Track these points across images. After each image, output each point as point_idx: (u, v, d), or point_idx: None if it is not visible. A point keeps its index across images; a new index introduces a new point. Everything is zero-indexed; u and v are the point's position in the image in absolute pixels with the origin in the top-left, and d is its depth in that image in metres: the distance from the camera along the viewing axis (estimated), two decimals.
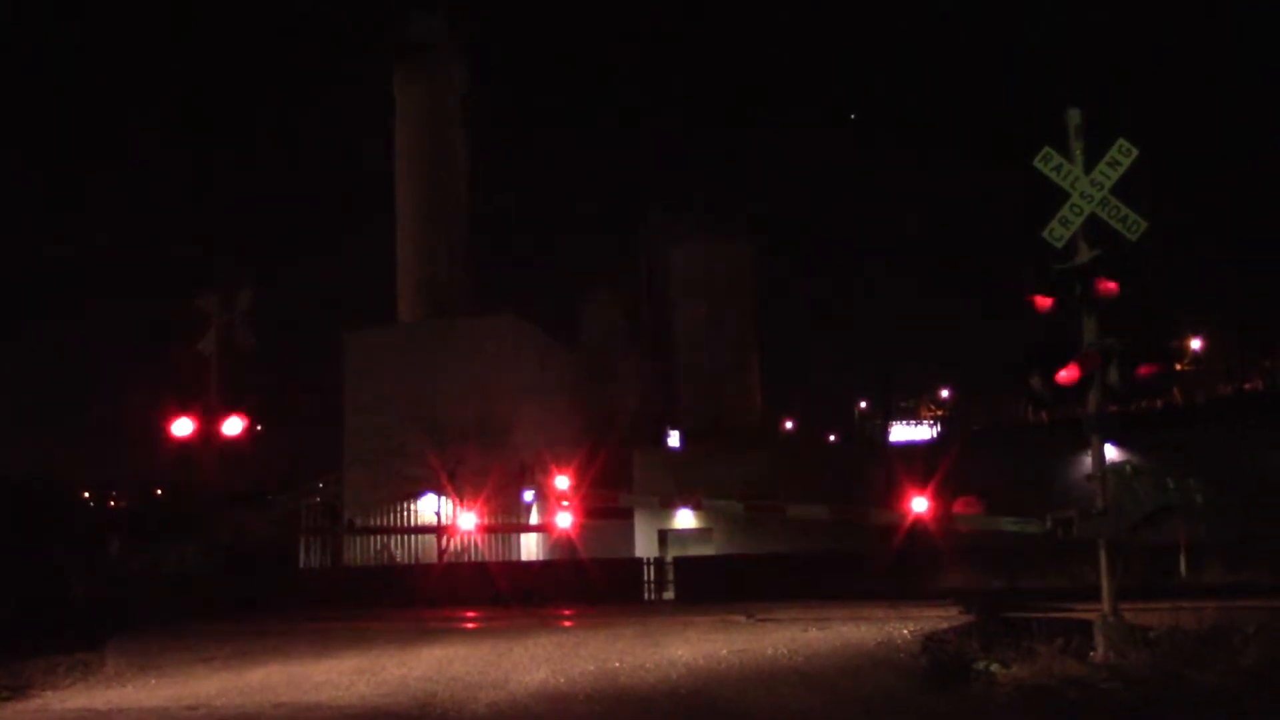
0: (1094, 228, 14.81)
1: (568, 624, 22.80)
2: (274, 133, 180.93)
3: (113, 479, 75.10)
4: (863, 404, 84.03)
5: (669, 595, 30.57)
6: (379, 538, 44.33)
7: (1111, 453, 17.84)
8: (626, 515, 46.36)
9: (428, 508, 44.24)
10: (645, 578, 31.22)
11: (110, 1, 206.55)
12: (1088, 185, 14.79)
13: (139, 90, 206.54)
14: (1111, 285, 14.54)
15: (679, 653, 16.40)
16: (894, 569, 29.63)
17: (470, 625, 22.29)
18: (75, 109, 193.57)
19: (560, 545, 41.16)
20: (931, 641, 16.16)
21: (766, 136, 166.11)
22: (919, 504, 25.66)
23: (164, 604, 28.47)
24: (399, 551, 44.57)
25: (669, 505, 32.98)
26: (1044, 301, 14.83)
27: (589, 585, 30.03)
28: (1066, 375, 14.43)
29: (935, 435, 78.04)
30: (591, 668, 15.26)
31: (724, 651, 16.41)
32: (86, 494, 77.31)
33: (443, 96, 56.80)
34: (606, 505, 42.22)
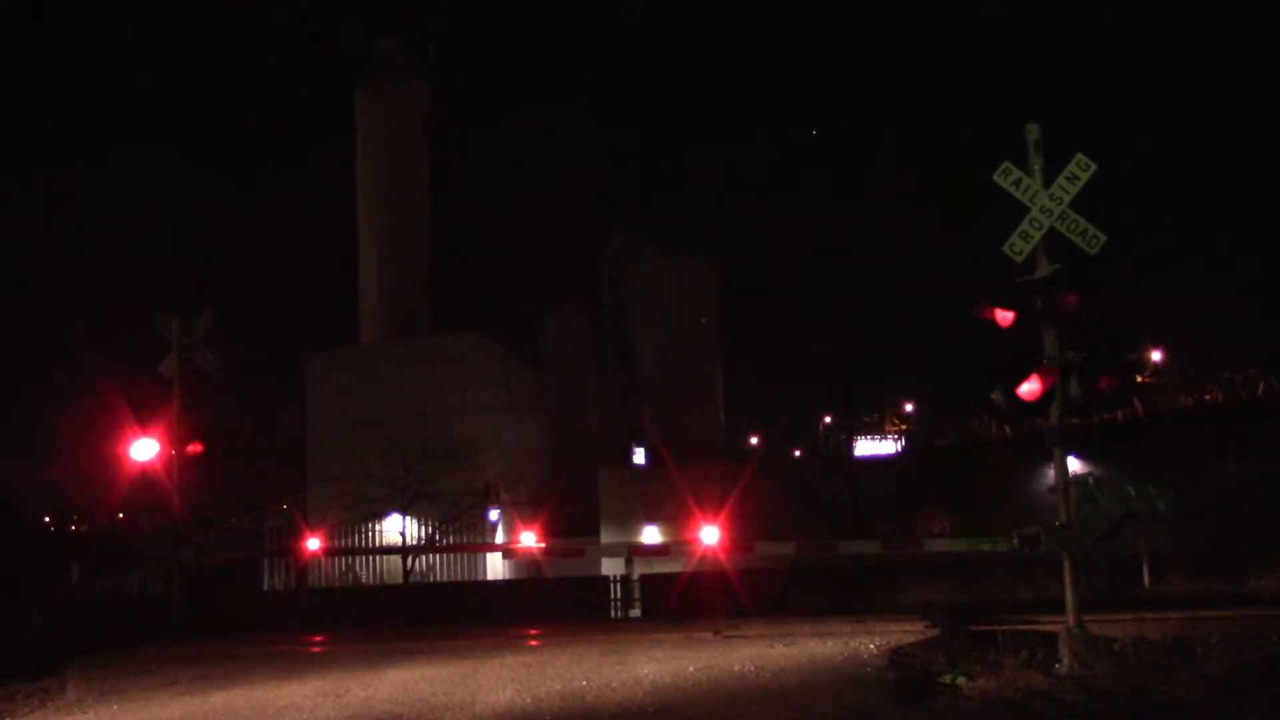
0: (1053, 242, 14.93)
1: (534, 643, 22.69)
2: (234, 155, 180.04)
3: (74, 503, 74.36)
4: (827, 419, 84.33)
5: (636, 613, 30.47)
6: (343, 559, 44.15)
7: (1074, 465, 17.96)
8: (593, 534, 46.38)
9: (392, 528, 44.08)
10: (612, 595, 31.09)
11: (79, 8, 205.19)
12: (1047, 200, 14.91)
13: (95, 108, 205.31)
14: (1071, 299, 14.65)
15: (646, 671, 16.34)
16: (860, 584, 29.69)
17: (435, 645, 22.13)
18: (24, 133, 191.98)
19: (526, 564, 41.07)
20: (897, 656, 16.17)
21: (727, 154, 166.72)
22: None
23: (126, 628, 28.13)
24: (364, 572, 44.36)
25: (639, 554, 32.86)
26: (1005, 316, 14.92)
27: (555, 604, 29.89)
28: (1028, 389, 14.52)
29: (899, 449, 78.43)
30: (558, 687, 15.19)
31: (691, 669, 16.36)
32: (47, 519, 76.59)
33: (404, 117, 56.83)
34: (573, 538, 42.35)
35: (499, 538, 45.41)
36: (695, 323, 64.77)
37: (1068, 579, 14.69)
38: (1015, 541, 16.01)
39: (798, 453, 77.12)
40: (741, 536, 30.61)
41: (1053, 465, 15.14)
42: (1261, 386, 49.26)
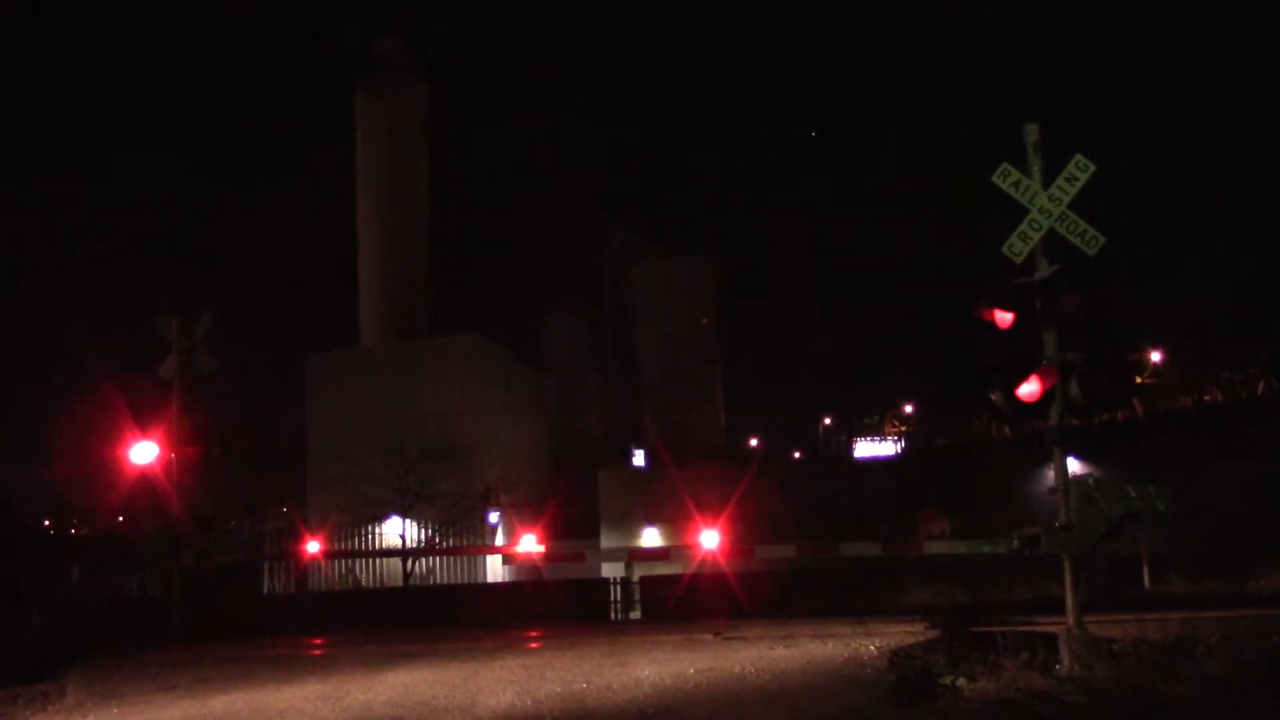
0: (1053, 242, 14.92)
1: (534, 645, 22.69)
2: (234, 155, 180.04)
3: (74, 505, 74.37)
4: (827, 420, 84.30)
5: (636, 615, 30.47)
6: (343, 561, 44.11)
7: (1074, 466, 17.97)
8: (593, 535, 46.36)
9: (392, 530, 44.04)
10: (612, 597, 31.09)
11: (79, 8, 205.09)
12: (1046, 201, 14.90)
13: (95, 108, 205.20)
14: (1071, 300, 14.65)
15: (646, 673, 16.34)
16: (860, 585, 29.68)
17: (436, 648, 22.13)
18: (24, 133, 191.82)
19: (526, 567, 41.05)
20: (898, 657, 16.17)
21: (727, 154, 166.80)
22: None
23: (125, 631, 28.16)
24: (363, 575, 44.32)
25: (639, 558, 32.87)
26: (1005, 317, 14.92)
27: (555, 606, 29.89)
28: (1028, 390, 14.51)
29: (899, 451, 78.36)
30: (558, 689, 15.18)
31: (691, 671, 16.36)
32: (47, 522, 76.60)
33: (404, 117, 56.79)
34: (573, 540, 42.34)
35: (499, 540, 45.38)
36: (696, 323, 64.70)
37: (1068, 580, 14.69)
38: (1015, 543, 15.99)
39: (797, 454, 77.11)
40: (742, 539, 30.65)
41: (1053, 466, 15.14)
42: (1261, 386, 49.24)
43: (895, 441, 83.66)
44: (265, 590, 44.13)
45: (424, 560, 41.58)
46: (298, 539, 41.73)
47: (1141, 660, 13.73)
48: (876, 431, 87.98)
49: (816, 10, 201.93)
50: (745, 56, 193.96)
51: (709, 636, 21.82)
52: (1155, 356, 64.00)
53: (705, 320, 65.18)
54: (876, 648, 17.72)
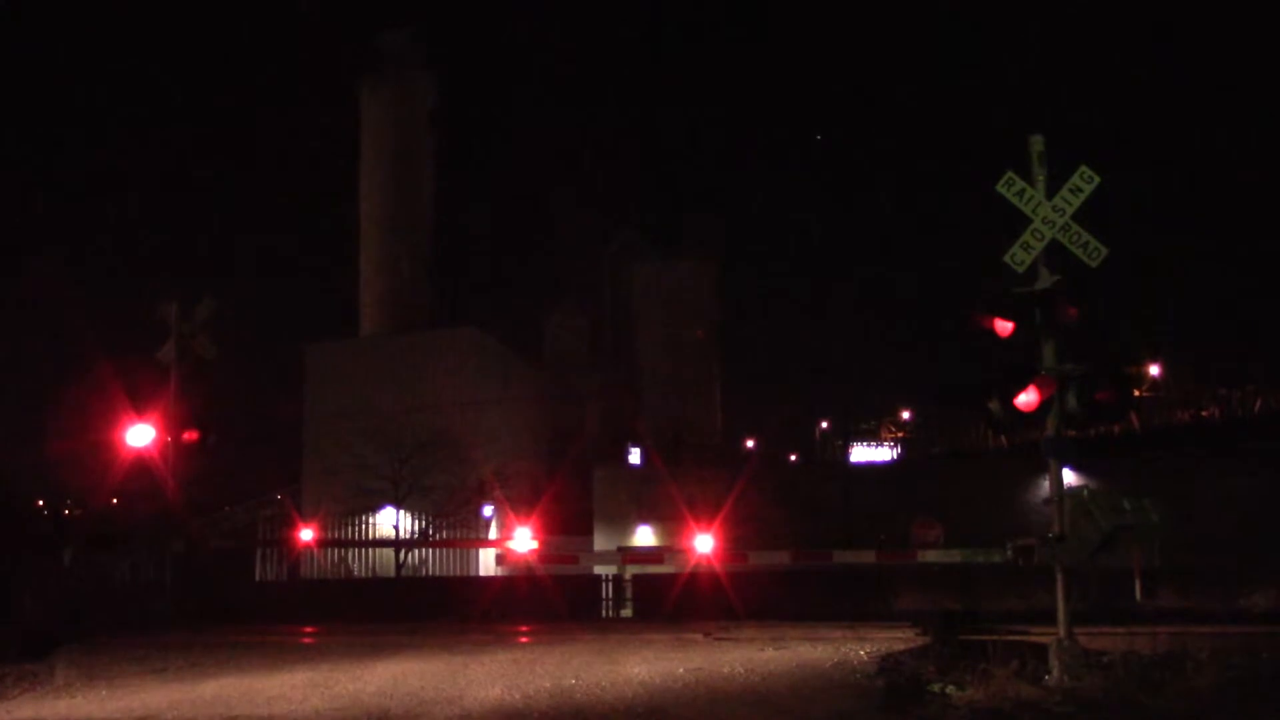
0: (1054, 253, 14.92)
1: (525, 640, 22.70)
2: (235, 142, 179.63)
3: (67, 488, 74.09)
4: (824, 424, 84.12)
5: (627, 613, 30.47)
6: (336, 551, 44.05)
7: (1069, 477, 17.98)
8: (586, 532, 46.35)
9: (386, 521, 44.01)
10: (604, 595, 31.10)
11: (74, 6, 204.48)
12: (1049, 211, 14.90)
13: (95, 95, 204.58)
14: (1072, 311, 14.64)
15: (636, 671, 16.34)
16: (852, 589, 29.69)
17: (426, 640, 22.12)
18: (23, 111, 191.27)
19: (520, 566, 41.06)
20: (887, 663, 16.16)
21: (728, 154, 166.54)
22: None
23: (117, 615, 28.11)
24: (356, 565, 44.30)
25: (632, 560, 32.86)
26: (1004, 326, 14.91)
27: (546, 601, 29.87)
28: (1026, 400, 14.50)
29: (895, 457, 78.24)
30: (548, 685, 15.19)
31: (680, 670, 16.36)
32: (40, 502, 76.33)
33: (409, 109, 56.80)
34: (567, 536, 42.33)
35: (493, 534, 45.39)
36: (693, 333, 64.69)
37: (1060, 591, 14.68)
38: (1009, 552, 16.01)
39: (793, 457, 76.96)
40: (735, 542, 30.62)
41: (1048, 476, 15.13)
42: (1258, 403, 49.29)
43: (892, 447, 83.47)
44: (258, 577, 44.07)
45: (416, 552, 41.56)
46: (291, 527, 41.70)
47: (1131, 673, 13.73)
48: (873, 436, 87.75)
49: (817, 11, 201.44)
50: (746, 56, 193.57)
51: (699, 637, 21.84)
52: (1154, 370, 63.97)
53: (700, 333, 65.09)
54: (867, 653, 17.71)
